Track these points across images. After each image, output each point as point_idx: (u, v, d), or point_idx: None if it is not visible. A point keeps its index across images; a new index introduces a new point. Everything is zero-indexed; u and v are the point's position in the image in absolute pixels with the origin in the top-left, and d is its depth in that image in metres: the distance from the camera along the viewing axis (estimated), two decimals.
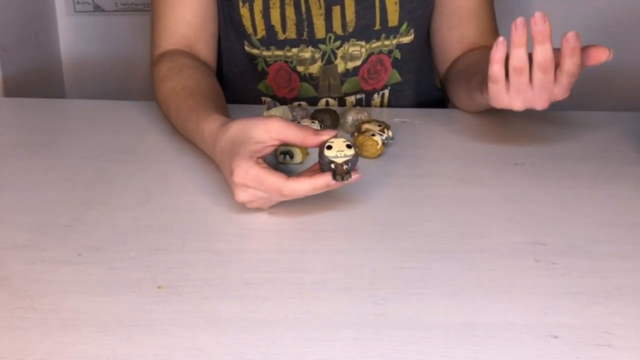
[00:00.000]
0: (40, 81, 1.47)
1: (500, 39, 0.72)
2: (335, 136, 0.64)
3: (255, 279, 0.58)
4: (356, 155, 0.63)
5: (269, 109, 0.85)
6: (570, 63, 0.70)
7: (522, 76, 0.72)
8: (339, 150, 0.63)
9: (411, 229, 0.66)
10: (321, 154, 0.63)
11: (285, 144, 0.66)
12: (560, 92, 0.73)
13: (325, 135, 0.64)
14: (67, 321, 0.53)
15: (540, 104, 0.74)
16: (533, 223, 0.68)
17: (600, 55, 0.71)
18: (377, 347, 0.51)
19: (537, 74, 0.71)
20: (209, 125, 0.72)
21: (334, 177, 0.62)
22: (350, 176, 0.62)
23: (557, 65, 0.72)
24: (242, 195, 0.65)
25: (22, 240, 0.63)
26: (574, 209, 0.71)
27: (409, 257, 0.62)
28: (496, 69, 0.73)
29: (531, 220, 0.68)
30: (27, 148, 0.83)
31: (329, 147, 0.63)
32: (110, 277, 0.58)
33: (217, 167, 0.76)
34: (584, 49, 0.71)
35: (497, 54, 0.72)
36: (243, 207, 0.68)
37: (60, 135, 0.88)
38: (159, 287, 0.57)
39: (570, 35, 0.69)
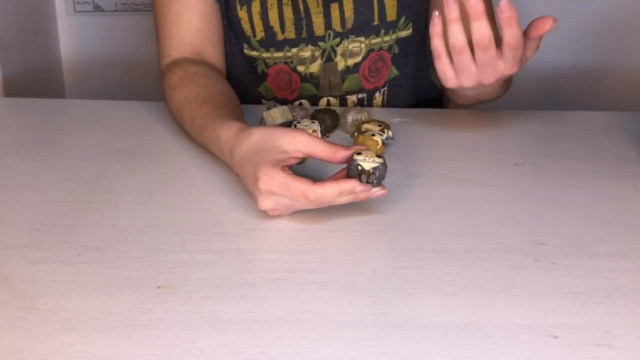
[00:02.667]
0: (40, 81, 1.47)
1: (436, 13, 0.73)
2: (367, 149, 0.64)
3: (255, 279, 0.58)
4: (384, 165, 0.63)
5: (269, 109, 0.85)
6: (509, 34, 0.70)
7: (463, 55, 0.72)
8: (368, 157, 0.63)
9: (411, 229, 0.66)
10: (350, 159, 0.63)
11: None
12: (506, 67, 0.73)
13: (355, 148, 0.64)
14: (67, 321, 0.53)
15: (486, 79, 0.74)
16: (533, 223, 0.68)
17: (544, 25, 0.71)
18: (377, 347, 0.51)
19: (478, 52, 0.72)
20: (225, 132, 0.72)
21: (360, 179, 0.62)
22: (377, 182, 0.62)
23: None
24: (266, 203, 0.64)
25: (22, 240, 0.63)
26: (574, 209, 0.71)
27: (409, 257, 0.62)
28: (436, 42, 0.74)
29: (531, 220, 0.68)
30: (27, 148, 0.83)
31: (359, 153, 0.63)
32: (110, 277, 0.58)
33: (217, 167, 0.76)
34: (531, 22, 0.71)
35: (434, 28, 0.73)
36: (243, 208, 0.68)
37: (60, 135, 0.88)
38: (158, 287, 0.57)
39: (504, 3, 0.69)
